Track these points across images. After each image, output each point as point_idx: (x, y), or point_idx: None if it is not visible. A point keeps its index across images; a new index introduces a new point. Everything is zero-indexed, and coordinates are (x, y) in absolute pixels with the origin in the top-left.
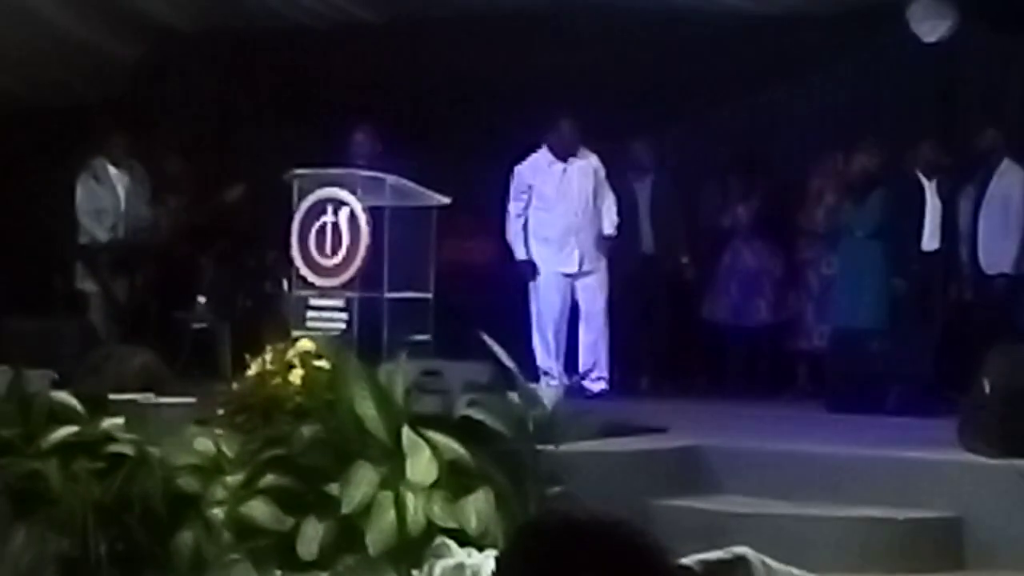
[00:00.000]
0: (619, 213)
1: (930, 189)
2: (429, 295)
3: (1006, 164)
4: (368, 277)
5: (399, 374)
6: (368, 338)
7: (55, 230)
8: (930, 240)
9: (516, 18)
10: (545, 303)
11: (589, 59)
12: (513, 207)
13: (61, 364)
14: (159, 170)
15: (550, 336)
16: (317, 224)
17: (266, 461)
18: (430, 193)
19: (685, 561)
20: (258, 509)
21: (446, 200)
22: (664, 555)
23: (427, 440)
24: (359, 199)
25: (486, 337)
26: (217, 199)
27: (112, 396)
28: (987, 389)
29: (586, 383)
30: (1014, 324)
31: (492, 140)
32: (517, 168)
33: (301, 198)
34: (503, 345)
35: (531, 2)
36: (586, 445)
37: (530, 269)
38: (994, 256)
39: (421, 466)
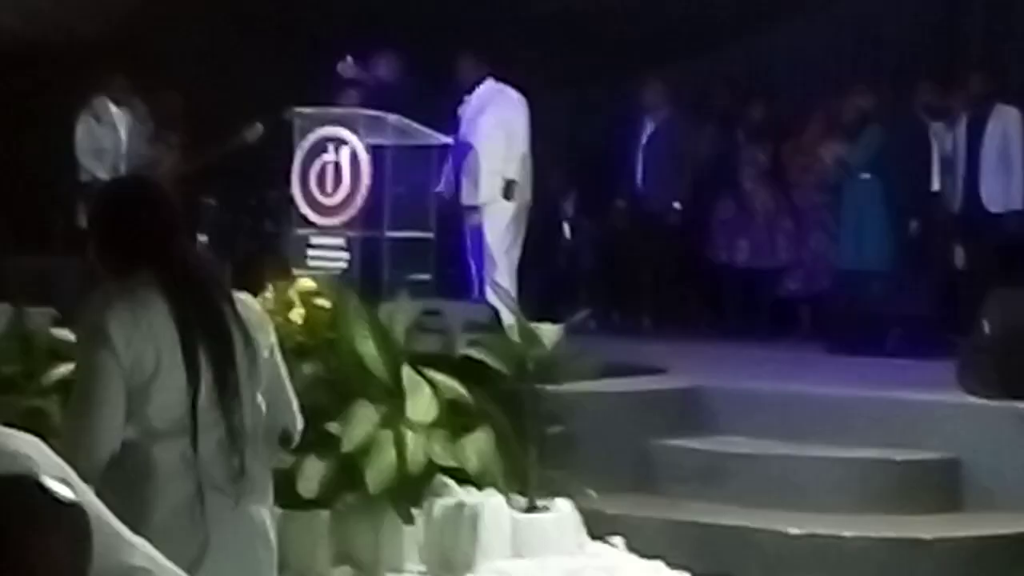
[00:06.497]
0: (615, 155)
1: (932, 129)
2: (430, 234)
3: (1004, 104)
4: (369, 216)
5: (400, 313)
6: (369, 277)
7: (56, 168)
8: (932, 181)
9: None
10: None
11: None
12: None
13: (61, 302)
14: (161, 108)
15: None
16: (318, 163)
17: None
18: (432, 132)
19: None
20: None
21: (448, 139)
22: None
23: (427, 379)
24: (360, 138)
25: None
26: (236, 138)
27: None
28: (987, 331)
29: None
30: (1014, 265)
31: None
32: None
33: (302, 137)
34: None
35: None
36: (586, 385)
37: None
38: (995, 196)
39: (421, 405)
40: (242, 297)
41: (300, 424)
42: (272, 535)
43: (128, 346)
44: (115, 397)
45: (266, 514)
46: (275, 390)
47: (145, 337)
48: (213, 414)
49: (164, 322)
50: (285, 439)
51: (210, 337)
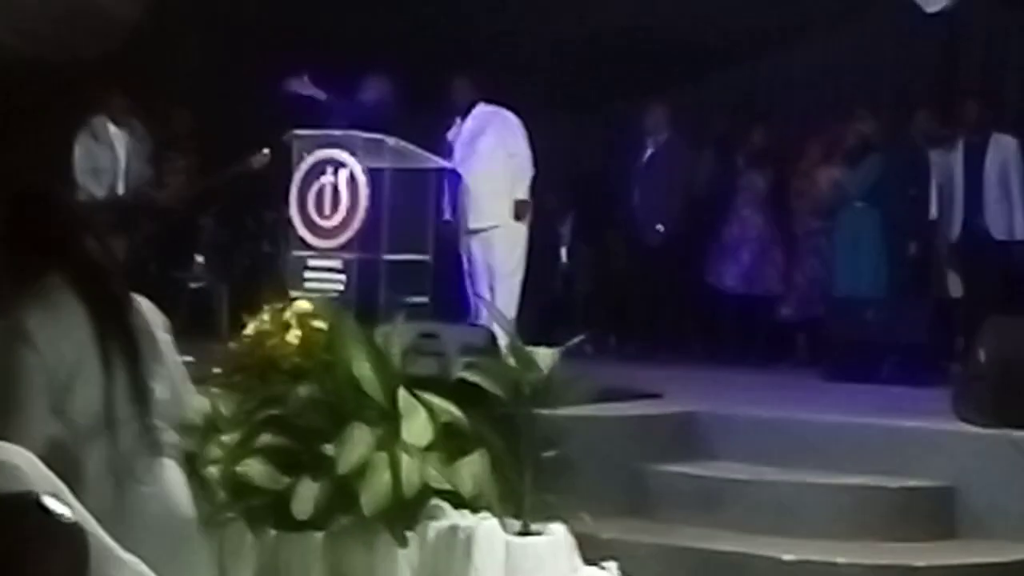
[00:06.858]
0: (612, 179)
1: (930, 157)
2: (427, 257)
3: (1000, 133)
4: (366, 239)
5: (396, 336)
6: (366, 299)
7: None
8: (930, 208)
9: None
10: None
11: (591, 23)
12: None
13: None
14: (167, 129)
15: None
16: (316, 185)
17: (262, 421)
18: (430, 155)
19: None
20: (253, 468)
21: (446, 163)
22: None
23: (423, 402)
24: (359, 160)
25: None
26: (242, 163)
27: None
28: (982, 359)
29: None
30: (1011, 293)
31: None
32: None
33: (300, 159)
34: None
35: None
36: (581, 409)
37: None
38: (996, 224)
39: (416, 428)
40: (137, 297)
41: (200, 410)
42: (194, 522)
43: (48, 342)
44: (40, 392)
45: (186, 500)
46: (175, 383)
47: (62, 332)
48: (128, 408)
49: (78, 319)
50: (185, 427)
51: (121, 333)
